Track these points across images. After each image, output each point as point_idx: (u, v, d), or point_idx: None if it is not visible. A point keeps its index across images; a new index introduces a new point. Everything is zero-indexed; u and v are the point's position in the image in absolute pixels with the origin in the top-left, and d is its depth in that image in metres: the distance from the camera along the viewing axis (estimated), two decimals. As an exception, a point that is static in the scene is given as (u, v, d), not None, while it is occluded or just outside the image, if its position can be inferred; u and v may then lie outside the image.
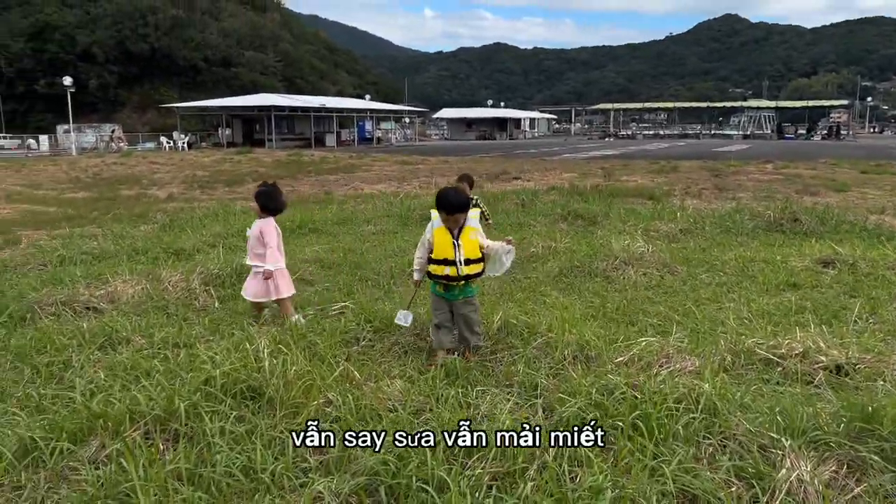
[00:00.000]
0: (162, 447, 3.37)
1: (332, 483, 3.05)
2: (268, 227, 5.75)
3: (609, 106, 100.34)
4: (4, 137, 64.93)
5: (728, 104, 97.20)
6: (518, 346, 4.77)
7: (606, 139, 76.58)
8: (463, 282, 4.67)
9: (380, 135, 71.48)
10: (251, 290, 5.75)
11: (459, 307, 4.73)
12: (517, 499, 2.85)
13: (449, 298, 4.74)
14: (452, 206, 4.58)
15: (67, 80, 48.36)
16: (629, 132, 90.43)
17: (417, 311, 5.33)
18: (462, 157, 36.00)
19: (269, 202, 5.85)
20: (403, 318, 4.96)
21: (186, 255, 8.73)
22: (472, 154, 40.95)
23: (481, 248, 4.68)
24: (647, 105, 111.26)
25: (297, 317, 5.54)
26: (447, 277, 4.65)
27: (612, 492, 2.83)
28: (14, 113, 78.23)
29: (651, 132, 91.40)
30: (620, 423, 3.45)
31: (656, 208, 12.17)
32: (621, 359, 4.47)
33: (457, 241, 4.61)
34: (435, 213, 4.69)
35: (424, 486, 2.97)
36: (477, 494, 2.90)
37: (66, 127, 57.87)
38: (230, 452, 3.28)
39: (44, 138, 60.24)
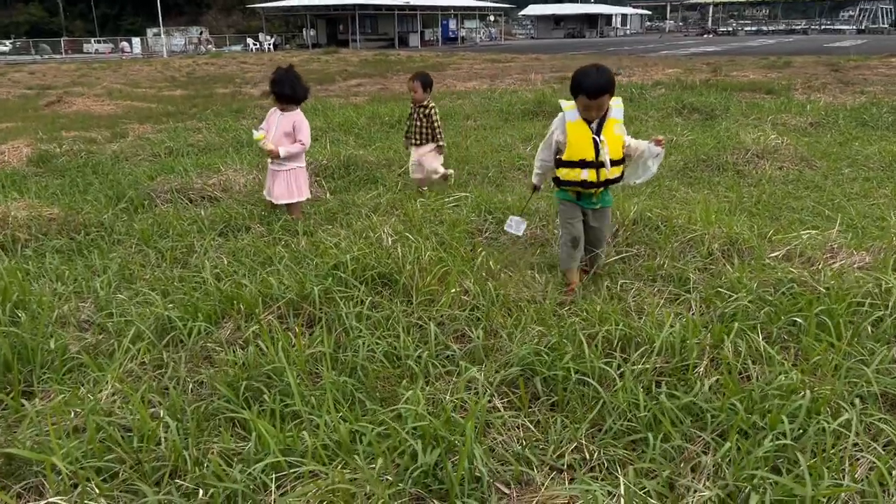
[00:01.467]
0: (298, 330, 3.23)
1: (482, 372, 2.84)
2: (300, 119, 5.06)
3: (708, 0, 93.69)
4: (99, 41, 66.54)
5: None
6: (658, 240, 4.38)
7: (705, 36, 71.79)
8: (602, 188, 3.84)
9: (464, 34, 69.39)
10: (276, 191, 5.15)
11: (597, 217, 3.94)
12: (693, 396, 2.56)
13: (585, 206, 3.93)
14: (597, 86, 3.57)
15: (156, -19, 48.53)
16: (729, 28, 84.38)
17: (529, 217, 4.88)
18: (553, 55, 34.45)
19: (296, 89, 5.04)
20: (515, 225, 4.24)
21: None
22: (562, 52, 39.18)
23: (624, 146, 3.80)
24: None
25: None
26: (584, 184, 3.77)
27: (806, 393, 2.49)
28: (106, 17, 79.79)
29: (753, 28, 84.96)
30: (798, 320, 3.08)
31: (779, 102, 11.17)
32: (777, 253, 4.04)
33: (598, 136, 3.70)
34: (567, 104, 3.78)
35: (585, 378, 2.72)
36: (646, 391, 2.63)
37: (155, 30, 58.74)
38: (370, 338, 3.11)
39: (136, 41, 61.52)
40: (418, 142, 6.13)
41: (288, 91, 5.01)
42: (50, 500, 2.15)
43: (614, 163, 3.75)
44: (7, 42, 66.34)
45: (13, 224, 4.83)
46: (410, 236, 4.16)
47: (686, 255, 4.16)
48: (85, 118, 12.91)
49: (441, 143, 6.19)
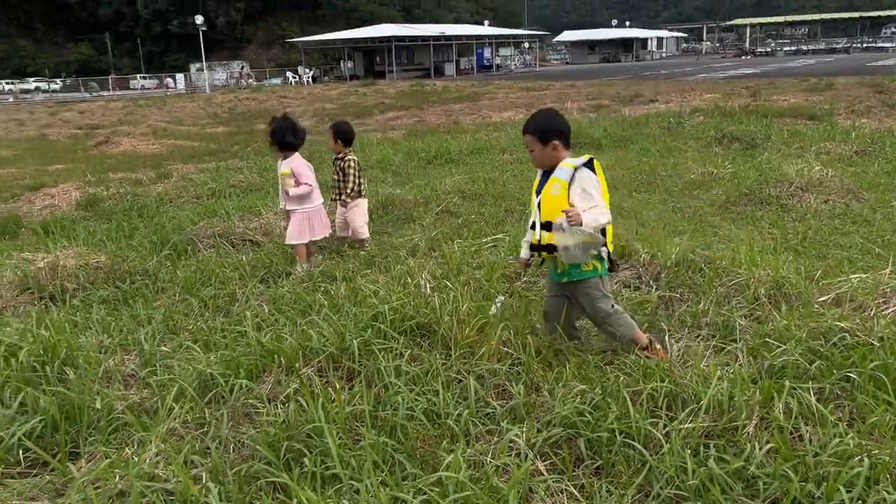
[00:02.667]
0: (337, 386, 3.23)
1: (524, 432, 2.79)
2: (298, 164, 5.26)
3: (744, 21, 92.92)
4: (145, 77, 68.78)
5: (883, 13, 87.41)
6: (702, 283, 4.29)
7: (743, 57, 71.07)
8: (550, 254, 3.41)
9: (499, 62, 69.97)
10: (288, 231, 5.40)
11: (573, 292, 3.51)
12: (744, 461, 2.47)
13: (553, 278, 3.58)
14: (524, 125, 3.49)
15: (199, 19, 50.25)
16: (767, 49, 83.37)
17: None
18: (588, 81, 34.45)
19: (289, 136, 5.24)
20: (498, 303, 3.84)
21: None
22: (598, 77, 39.17)
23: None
24: (788, 18, 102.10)
25: (302, 267, 5.23)
26: (531, 246, 3.53)
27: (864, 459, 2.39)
28: (152, 54, 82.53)
29: (792, 48, 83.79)
30: (852, 375, 2.97)
31: (822, 129, 10.96)
32: (825, 298, 3.92)
33: (538, 192, 3.44)
34: None
35: (629, 440, 2.65)
36: (693, 454, 2.55)
37: (198, 65, 60.47)
38: (409, 394, 3.08)
39: (179, 77, 63.38)
40: (336, 197, 5.77)
41: (289, 139, 5.25)
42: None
43: (547, 227, 3.36)
44: (58, 80, 68.99)
45: (62, 274, 4.96)
46: (449, 283, 4.14)
47: (731, 300, 4.07)
48: (131, 159, 13.29)
49: (343, 197, 5.64)
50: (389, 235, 6.10)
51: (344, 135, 5.69)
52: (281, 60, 76.22)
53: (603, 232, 3.34)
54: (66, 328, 3.97)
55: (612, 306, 3.47)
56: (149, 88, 63.68)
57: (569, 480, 2.56)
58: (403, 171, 9.58)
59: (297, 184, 5.21)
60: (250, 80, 61.57)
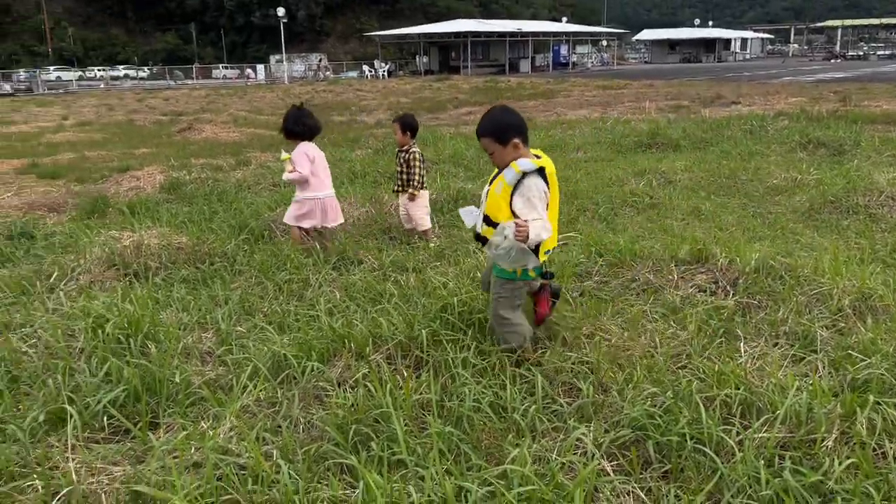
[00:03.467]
0: (405, 373, 3.27)
1: (591, 431, 2.76)
2: (297, 152, 5.42)
3: (836, 23, 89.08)
4: (227, 67, 70.96)
5: None
6: (781, 291, 4.15)
7: (832, 61, 68.16)
8: (482, 244, 3.43)
9: (575, 59, 69.17)
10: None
11: (492, 281, 3.44)
12: (822, 475, 2.38)
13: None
14: (478, 127, 3.36)
15: (280, 11, 51.38)
16: (859, 52, 79.67)
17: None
18: (668, 81, 33.70)
19: (292, 124, 5.47)
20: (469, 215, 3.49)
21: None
22: (677, 77, 38.26)
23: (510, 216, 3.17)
24: (884, 21, 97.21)
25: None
26: (476, 235, 3.49)
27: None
28: (234, 45, 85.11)
29: (886, 52, 79.80)
30: (944, 395, 2.82)
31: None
32: (916, 312, 3.73)
33: (488, 185, 3.38)
34: None
35: (700, 446, 2.59)
36: (767, 464, 2.48)
37: (277, 57, 62.00)
38: (475, 386, 3.09)
39: (260, 68, 65.07)
40: (399, 188, 5.89)
41: (293, 128, 5.50)
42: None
43: (488, 221, 3.30)
44: (146, 69, 71.92)
45: (146, 253, 5.17)
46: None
47: (812, 309, 3.91)
48: (212, 145, 13.73)
49: (411, 191, 5.73)
50: (459, 229, 6.12)
51: (411, 126, 5.78)
52: (358, 54, 77.43)
53: (536, 247, 3.19)
54: (149, 305, 4.14)
55: (514, 314, 3.37)
56: (230, 78, 65.65)
57: (635, 483, 2.52)
58: (475, 167, 9.58)
59: (293, 171, 5.41)
60: (328, 73, 62.71)
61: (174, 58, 78.82)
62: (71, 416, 2.90)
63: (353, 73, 62.83)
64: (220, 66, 72.40)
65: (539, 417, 2.92)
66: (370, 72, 60.51)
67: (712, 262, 4.57)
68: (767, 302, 4.10)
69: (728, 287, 4.32)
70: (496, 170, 3.35)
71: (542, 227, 3.11)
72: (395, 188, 5.97)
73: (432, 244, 5.71)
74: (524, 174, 3.17)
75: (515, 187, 3.17)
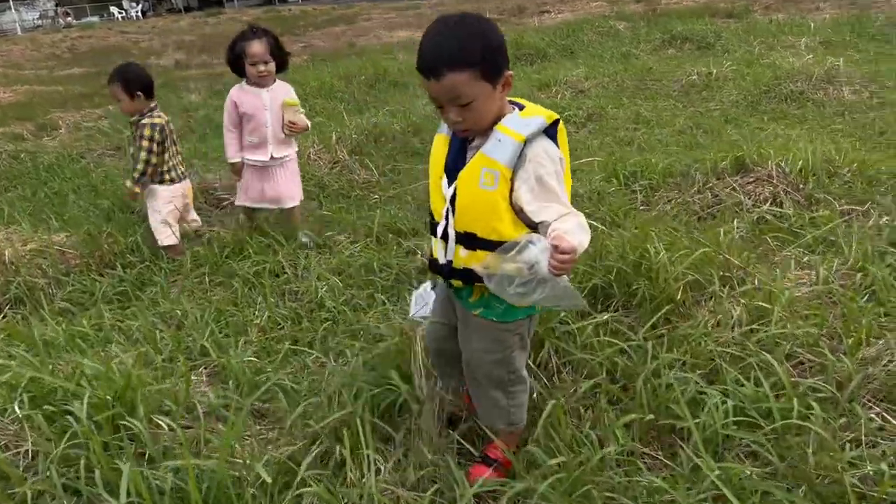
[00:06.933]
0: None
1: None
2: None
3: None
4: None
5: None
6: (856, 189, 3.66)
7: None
8: (460, 281, 1.88)
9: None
10: None
11: (472, 327, 1.96)
12: None
13: (460, 303, 1.97)
14: (432, 55, 1.66)
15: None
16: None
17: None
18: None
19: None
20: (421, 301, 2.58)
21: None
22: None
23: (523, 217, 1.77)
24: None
25: None
26: (432, 263, 1.97)
27: None
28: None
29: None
30: None
31: (773, 25, 10.52)
32: None
33: (450, 173, 1.83)
34: None
35: None
36: None
37: None
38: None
39: (-21, 19, 55.29)
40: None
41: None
42: None
43: (469, 240, 1.80)
44: None
45: (22, 266, 3.55)
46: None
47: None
48: (-18, 111, 10.89)
49: (129, 184, 3.73)
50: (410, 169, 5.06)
51: (141, 82, 3.73)
52: (98, -6, 68.49)
53: None
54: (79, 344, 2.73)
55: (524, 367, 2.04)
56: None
57: None
58: (350, 98, 8.33)
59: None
60: (69, 19, 54.74)
61: None
62: None
63: (95, 18, 55.33)
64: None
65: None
66: (120, 13, 53.72)
67: (761, 169, 3.98)
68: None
69: (799, 197, 3.76)
70: (443, 145, 1.87)
71: (579, 226, 1.66)
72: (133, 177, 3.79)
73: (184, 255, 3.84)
74: (526, 140, 1.71)
75: (515, 168, 1.72)
